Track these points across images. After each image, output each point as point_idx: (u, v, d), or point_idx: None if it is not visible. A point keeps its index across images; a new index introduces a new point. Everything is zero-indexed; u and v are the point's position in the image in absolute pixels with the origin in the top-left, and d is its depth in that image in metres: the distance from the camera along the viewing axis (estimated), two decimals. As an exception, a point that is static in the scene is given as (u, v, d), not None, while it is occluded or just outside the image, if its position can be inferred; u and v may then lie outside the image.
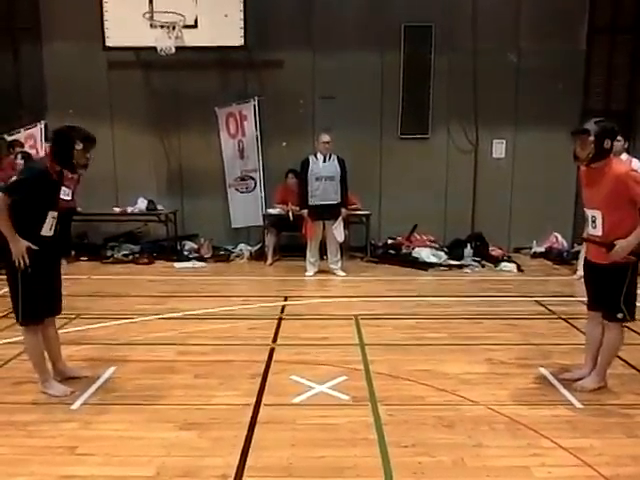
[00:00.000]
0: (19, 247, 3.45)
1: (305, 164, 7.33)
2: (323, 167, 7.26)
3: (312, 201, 7.27)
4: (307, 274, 7.44)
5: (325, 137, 7.31)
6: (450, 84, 8.69)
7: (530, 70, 8.58)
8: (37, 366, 3.74)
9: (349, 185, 7.43)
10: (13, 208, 3.44)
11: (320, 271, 7.52)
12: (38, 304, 3.62)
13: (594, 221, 3.61)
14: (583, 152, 3.56)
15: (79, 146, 3.58)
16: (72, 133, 3.63)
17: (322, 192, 7.24)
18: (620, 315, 3.61)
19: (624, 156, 5.95)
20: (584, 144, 3.53)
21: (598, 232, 3.59)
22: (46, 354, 3.83)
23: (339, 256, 7.59)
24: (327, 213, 7.29)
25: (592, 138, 3.49)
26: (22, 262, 3.45)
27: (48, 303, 3.71)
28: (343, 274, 7.45)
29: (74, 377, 3.95)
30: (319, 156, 7.31)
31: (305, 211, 7.37)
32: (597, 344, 3.84)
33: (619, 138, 6.03)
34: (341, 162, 7.32)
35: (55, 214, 3.66)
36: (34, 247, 3.50)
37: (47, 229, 3.62)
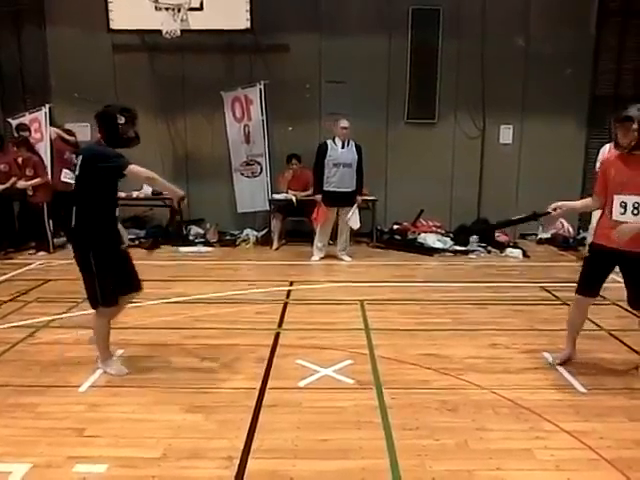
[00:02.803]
0: (178, 193, 3.87)
1: (323, 148, 7.19)
2: (341, 153, 7.14)
3: (327, 187, 7.16)
4: (313, 259, 7.41)
5: (344, 122, 7.14)
6: (458, 69, 8.61)
7: (539, 55, 8.48)
8: (100, 346, 3.84)
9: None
10: (94, 191, 3.58)
11: (326, 256, 7.51)
12: (113, 287, 3.71)
13: (637, 207, 3.50)
14: (625, 139, 3.50)
15: (121, 120, 3.62)
16: (110, 110, 3.66)
17: (338, 179, 7.13)
18: None
19: None
20: (627, 131, 3.48)
21: None
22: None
23: (348, 243, 7.57)
24: (341, 200, 7.20)
25: (635, 125, 3.44)
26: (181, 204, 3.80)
27: (122, 284, 3.79)
28: (349, 259, 7.45)
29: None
30: (337, 141, 7.18)
31: (319, 196, 7.25)
32: (579, 328, 3.93)
33: None
34: (358, 149, 7.20)
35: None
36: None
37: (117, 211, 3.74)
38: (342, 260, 7.43)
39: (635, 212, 3.51)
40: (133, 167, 3.57)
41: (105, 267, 3.65)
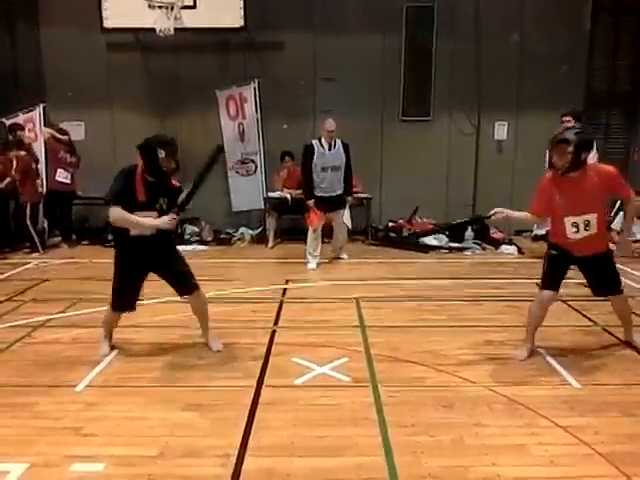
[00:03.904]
0: (154, 224, 3.79)
1: (309, 151, 6.75)
2: (329, 156, 6.77)
3: (317, 192, 6.84)
4: (310, 267, 6.95)
5: (330, 125, 6.70)
6: (452, 66, 8.62)
7: (533, 51, 8.51)
8: (104, 330, 4.20)
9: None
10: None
11: (321, 254, 7.43)
12: (121, 298, 3.98)
13: (588, 224, 3.72)
14: (560, 161, 3.65)
15: (161, 154, 3.75)
16: (152, 143, 3.79)
17: (328, 184, 6.79)
18: (622, 286, 4.01)
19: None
20: (563, 153, 3.62)
21: (593, 231, 3.75)
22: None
23: (345, 242, 7.45)
24: (333, 204, 6.93)
25: (571, 149, 3.58)
26: (171, 224, 3.86)
27: (131, 297, 4.00)
28: (346, 257, 7.44)
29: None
30: (324, 143, 6.75)
31: (311, 201, 6.87)
32: (541, 323, 4.07)
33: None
34: (346, 148, 6.87)
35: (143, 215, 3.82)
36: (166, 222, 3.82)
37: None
38: (339, 258, 7.39)
39: (587, 228, 3.75)
40: (112, 210, 3.72)
41: (119, 280, 3.93)
